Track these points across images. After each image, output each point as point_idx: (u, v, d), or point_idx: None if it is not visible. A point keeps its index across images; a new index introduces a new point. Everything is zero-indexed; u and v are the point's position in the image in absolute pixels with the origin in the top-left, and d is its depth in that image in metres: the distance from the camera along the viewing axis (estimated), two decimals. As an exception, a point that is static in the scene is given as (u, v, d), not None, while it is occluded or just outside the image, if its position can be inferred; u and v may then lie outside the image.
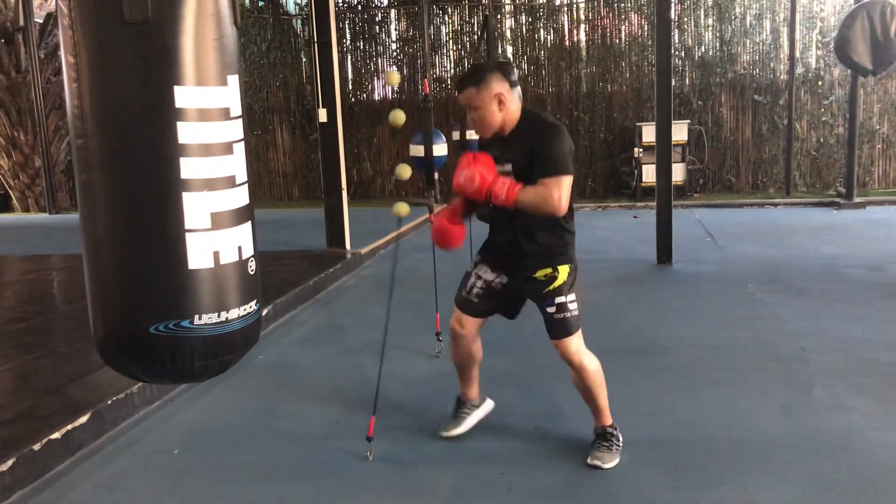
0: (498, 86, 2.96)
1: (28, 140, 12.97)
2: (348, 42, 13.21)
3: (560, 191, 2.87)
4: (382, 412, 3.75)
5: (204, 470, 3.30)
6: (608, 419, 3.25)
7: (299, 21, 13.40)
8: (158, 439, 3.62)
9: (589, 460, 3.16)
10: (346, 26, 13.18)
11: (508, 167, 3.00)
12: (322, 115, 7.54)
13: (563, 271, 3.11)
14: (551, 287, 3.10)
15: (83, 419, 3.52)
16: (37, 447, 3.24)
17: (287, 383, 4.36)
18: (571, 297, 3.11)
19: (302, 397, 4.12)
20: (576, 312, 3.11)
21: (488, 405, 3.63)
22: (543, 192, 2.88)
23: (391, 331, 5.23)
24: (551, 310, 3.10)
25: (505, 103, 2.97)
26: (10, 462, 3.09)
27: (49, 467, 3.27)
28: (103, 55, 1.68)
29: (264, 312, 5.35)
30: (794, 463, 3.13)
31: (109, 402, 3.71)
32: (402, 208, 3.63)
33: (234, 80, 1.80)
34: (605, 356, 4.55)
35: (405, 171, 3.71)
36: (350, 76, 13.20)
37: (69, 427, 3.43)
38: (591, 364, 3.18)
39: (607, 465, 3.13)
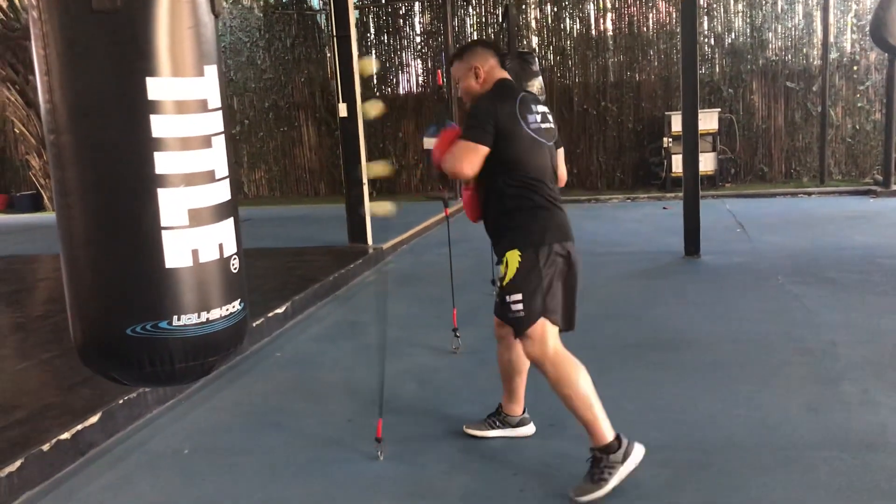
0: (476, 60, 3.05)
1: (58, 140, 13.12)
2: (372, 36, 13.15)
3: (460, 152, 2.83)
4: (396, 410, 3.68)
5: (214, 470, 3.26)
6: (600, 438, 2.82)
7: (323, 16, 13.37)
8: (169, 439, 3.58)
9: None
10: (370, 20, 13.12)
11: None
12: (342, 109, 7.49)
13: (512, 261, 2.87)
14: (503, 283, 2.92)
15: (94, 419, 3.50)
16: (46, 447, 3.21)
17: (302, 381, 4.31)
18: (516, 296, 2.86)
19: (316, 395, 4.07)
20: (520, 313, 2.86)
21: (525, 429, 3.37)
22: (451, 152, 2.88)
23: (408, 326, 5.21)
24: (505, 306, 2.93)
25: (481, 77, 3.04)
26: (18, 462, 3.07)
27: (58, 468, 3.24)
28: (72, 46, 1.62)
29: (282, 309, 5.34)
30: (821, 463, 2.99)
31: (121, 401, 3.68)
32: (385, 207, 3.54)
33: (211, 71, 1.73)
34: (628, 351, 4.48)
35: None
36: (374, 70, 13.14)
37: (79, 427, 3.41)
38: (556, 370, 2.85)
39: (583, 499, 2.77)
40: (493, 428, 3.38)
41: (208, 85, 1.72)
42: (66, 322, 5.05)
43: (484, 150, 2.83)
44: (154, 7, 1.63)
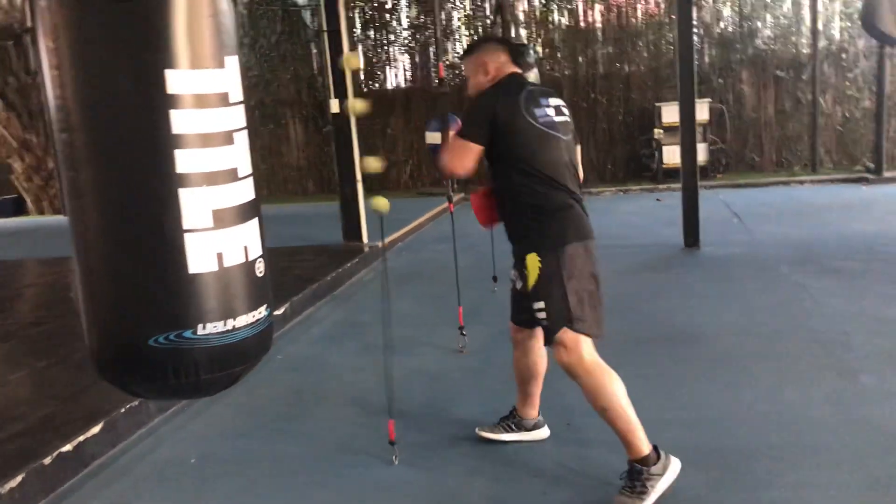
0: (486, 56, 2.93)
1: (40, 142, 12.90)
2: (359, 31, 13.02)
3: (452, 151, 2.78)
4: (406, 412, 3.58)
5: (222, 479, 3.15)
6: (637, 450, 2.68)
7: (308, 12, 13.22)
8: (174, 448, 3.47)
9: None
10: (356, 15, 12.99)
11: None
12: (334, 105, 7.36)
13: (532, 266, 2.74)
14: (527, 287, 2.78)
15: (96, 429, 3.37)
16: (47, 461, 3.09)
17: (307, 384, 4.20)
18: (538, 304, 2.74)
19: (323, 399, 3.96)
20: (544, 321, 2.75)
21: (539, 433, 3.26)
22: (445, 150, 2.83)
23: (413, 325, 5.10)
24: (531, 313, 2.80)
25: (490, 73, 2.91)
26: (19, 478, 2.94)
27: (61, 481, 3.12)
28: (86, 38, 1.51)
29: (281, 311, 5.22)
30: (847, 457, 2.92)
31: (123, 410, 3.56)
32: (381, 203, 3.02)
33: (232, 62, 1.62)
34: (635, 346, 4.39)
35: (372, 164, 3.08)
36: (362, 66, 13.01)
37: (81, 438, 3.28)
38: (590, 379, 2.70)
39: None
40: (507, 431, 3.26)
41: (229, 77, 1.61)
42: (60, 329, 4.87)
43: (477, 149, 2.73)
44: (172, -5, 1.52)
